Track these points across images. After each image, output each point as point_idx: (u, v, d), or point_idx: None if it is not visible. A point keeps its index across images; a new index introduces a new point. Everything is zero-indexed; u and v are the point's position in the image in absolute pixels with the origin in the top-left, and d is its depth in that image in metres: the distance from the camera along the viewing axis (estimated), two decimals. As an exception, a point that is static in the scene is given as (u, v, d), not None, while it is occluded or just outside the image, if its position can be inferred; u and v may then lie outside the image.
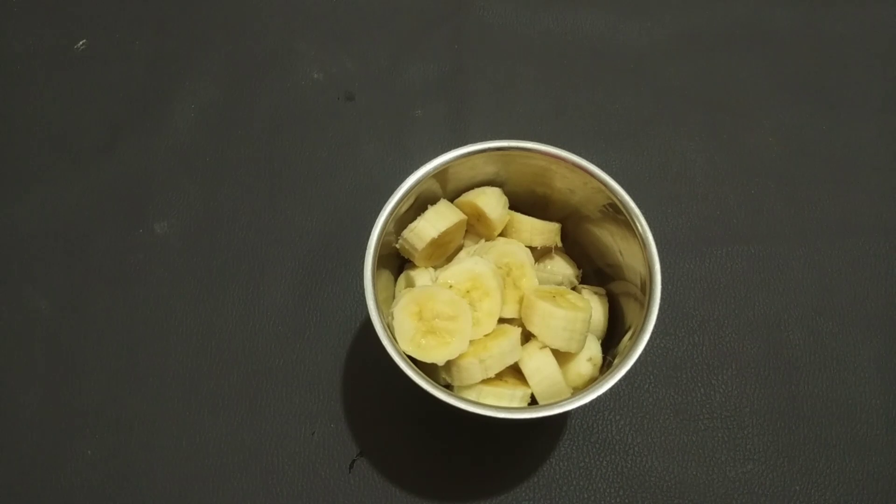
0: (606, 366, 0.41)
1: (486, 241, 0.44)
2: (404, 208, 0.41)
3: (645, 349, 0.37)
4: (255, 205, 0.53)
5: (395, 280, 0.45)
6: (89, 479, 0.45)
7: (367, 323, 0.48)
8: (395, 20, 0.61)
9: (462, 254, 0.43)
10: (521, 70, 0.58)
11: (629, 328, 0.40)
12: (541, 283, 0.42)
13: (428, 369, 0.39)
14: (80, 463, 0.45)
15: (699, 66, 0.59)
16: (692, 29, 0.61)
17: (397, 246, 0.42)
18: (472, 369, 0.38)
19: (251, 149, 0.55)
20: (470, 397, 0.38)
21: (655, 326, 0.37)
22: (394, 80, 0.58)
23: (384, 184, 0.54)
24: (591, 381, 0.38)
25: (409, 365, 0.37)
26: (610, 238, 0.43)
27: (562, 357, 0.40)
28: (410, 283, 0.42)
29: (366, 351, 0.48)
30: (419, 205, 0.42)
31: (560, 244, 0.45)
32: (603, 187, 0.40)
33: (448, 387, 0.40)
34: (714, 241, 0.52)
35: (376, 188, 0.53)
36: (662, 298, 0.38)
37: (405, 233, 0.42)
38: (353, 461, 0.45)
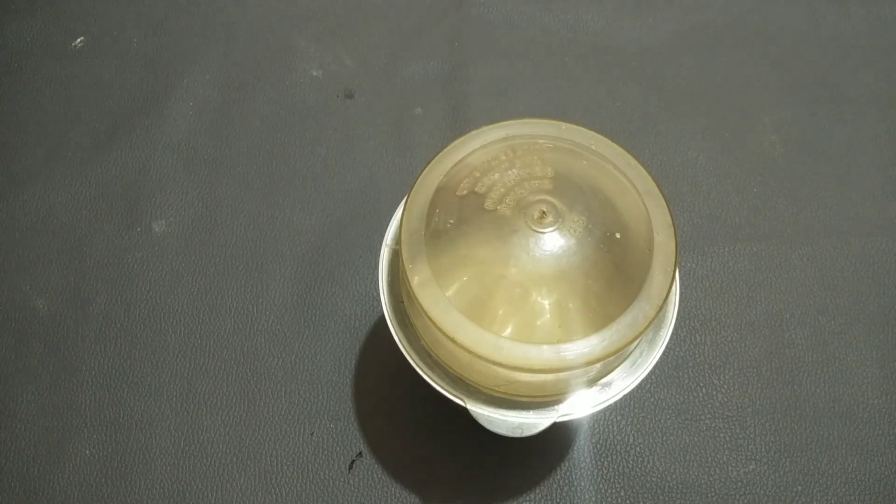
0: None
1: None
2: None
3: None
4: (253, 203, 0.53)
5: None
6: (88, 479, 0.44)
7: (368, 322, 0.48)
8: (395, 17, 0.60)
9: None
10: (522, 67, 0.58)
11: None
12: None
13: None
14: (79, 463, 0.45)
15: (701, 64, 0.59)
16: (694, 26, 0.60)
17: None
18: None
19: (250, 147, 0.55)
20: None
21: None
22: (393, 77, 0.58)
23: (384, 182, 0.54)
24: None
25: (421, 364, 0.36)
26: None
27: None
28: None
29: (366, 350, 0.48)
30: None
31: None
32: None
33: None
34: (716, 240, 0.52)
35: (376, 187, 0.53)
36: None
37: None
38: (353, 461, 0.45)
